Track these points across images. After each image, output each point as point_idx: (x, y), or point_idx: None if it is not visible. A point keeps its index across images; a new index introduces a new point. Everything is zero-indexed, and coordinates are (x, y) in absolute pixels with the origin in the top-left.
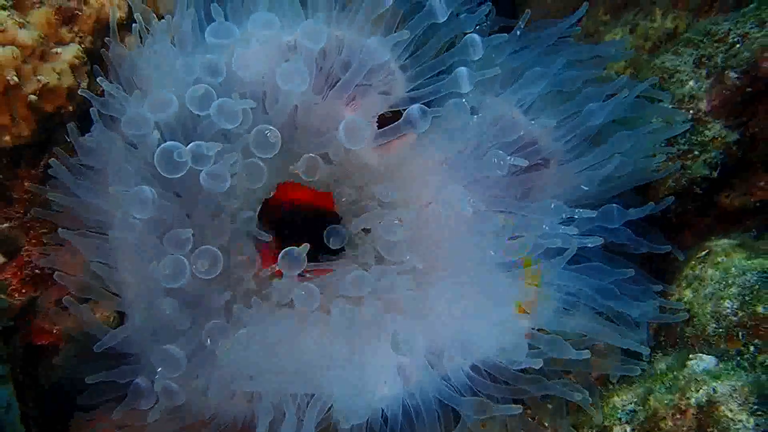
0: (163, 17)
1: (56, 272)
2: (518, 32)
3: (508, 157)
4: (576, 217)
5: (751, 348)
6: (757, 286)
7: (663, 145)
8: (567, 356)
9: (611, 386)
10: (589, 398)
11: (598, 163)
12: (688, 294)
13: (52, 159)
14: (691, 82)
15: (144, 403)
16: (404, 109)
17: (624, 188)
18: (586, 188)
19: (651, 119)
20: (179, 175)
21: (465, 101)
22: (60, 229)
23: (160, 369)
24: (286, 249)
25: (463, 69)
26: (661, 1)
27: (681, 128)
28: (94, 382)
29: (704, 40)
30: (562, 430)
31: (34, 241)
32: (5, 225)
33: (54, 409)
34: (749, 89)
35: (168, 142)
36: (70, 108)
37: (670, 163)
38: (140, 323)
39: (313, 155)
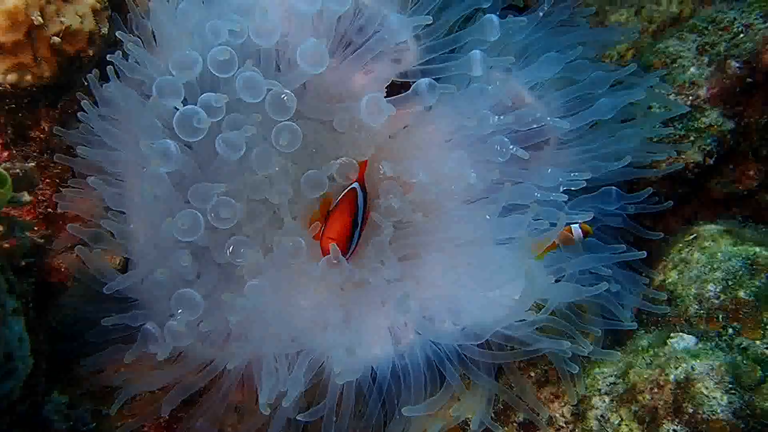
0: None
1: (69, 225)
2: (540, 13)
3: (512, 147)
4: (571, 184)
5: (730, 330)
6: (740, 272)
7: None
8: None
9: (593, 359)
10: (576, 366)
11: (599, 152)
12: (673, 275)
13: (84, 102)
14: (692, 69)
15: (153, 347)
16: (413, 82)
17: (619, 179)
18: (591, 175)
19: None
20: (197, 139)
21: (490, 88)
22: (90, 178)
23: (180, 311)
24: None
25: (477, 52)
26: None
27: (678, 112)
28: (108, 325)
29: (709, 28)
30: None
31: (48, 180)
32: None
33: (62, 345)
34: (749, 79)
35: (188, 106)
36: (90, 53)
37: (664, 145)
38: (152, 274)
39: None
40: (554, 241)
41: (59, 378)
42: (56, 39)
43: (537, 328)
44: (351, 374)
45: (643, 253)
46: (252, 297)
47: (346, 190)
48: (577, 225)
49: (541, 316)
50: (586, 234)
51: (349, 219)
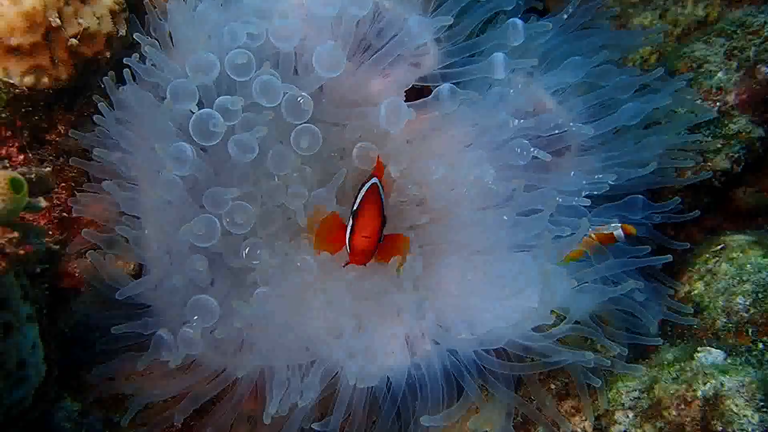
0: None
1: (84, 230)
2: (565, 16)
3: (532, 149)
4: (594, 187)
5: (760, 345)
6: None
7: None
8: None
9: (615, 372)
10: (598, 380)
11: (623, 159)
12: (699, 286)
13: (101, 105)
14: (720, 74)
15: (166, 354)
16: (434, 86)
17: (644, 188)
18: (612, 182)
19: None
20: (213, 143)
21: (511, 92)
22: (105, 182)
23: (195, 317)
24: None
25: (499, 55)
26: None
27: (704, 118)
28: (119, 333)
29: (737, 32)
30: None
31: (63, 184)
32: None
33: (73, 351)
34: None
35: (204, 110)
36: (108, 55)
37: (691, 153)
38: (162, 277)
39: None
40: (581, 249)
41: (70, 384)
42: (74, 41)
43: (558, 339)
44: (364, 381)
45: (669, 257)
46: (260, 305)
47: (367, 186)
48: (618, 226)
49: (563, 326)
50: (629, 234)
51: (380, 215)
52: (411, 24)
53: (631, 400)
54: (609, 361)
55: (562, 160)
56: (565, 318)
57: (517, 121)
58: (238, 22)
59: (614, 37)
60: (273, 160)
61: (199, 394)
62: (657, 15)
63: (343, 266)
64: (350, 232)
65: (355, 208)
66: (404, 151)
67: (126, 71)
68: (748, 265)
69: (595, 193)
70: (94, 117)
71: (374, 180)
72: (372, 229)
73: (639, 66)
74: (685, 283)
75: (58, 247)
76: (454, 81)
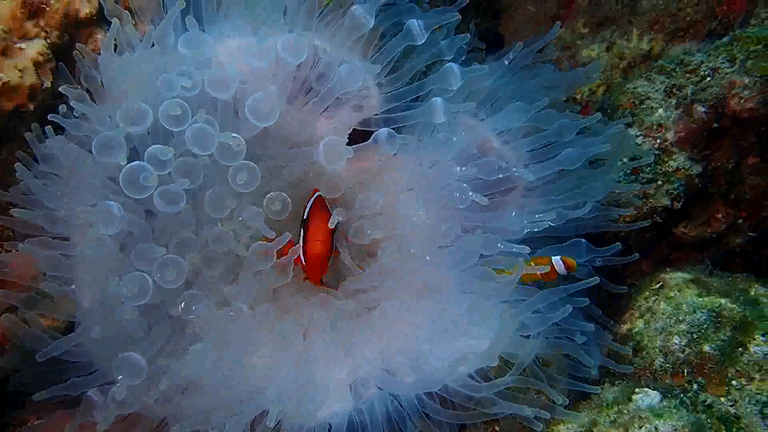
0: (131, 10)
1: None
2: (506, 62)
3: (470, 193)
4: (535, 225)
5: (695, 386)
6: (705, 325)
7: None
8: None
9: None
10: (539, 424)
11: (566, 203)
12: (639, 325)
13: (18, 165)
14: (660, 110)
15: (97, 414)
16: (375, 130)
17: (589, 230)
18: (552, 224)
19: (619, 157)
20: (145, 195)
21: (455, 139)
22: (21, 244)
23: (120, 377)
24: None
25: (438, 99)
26: (638, 22)
27: (643, 162)
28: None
29: (676, 69)
30: None
31: None
32: None
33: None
34: (716, 125)
35: (134, 163)
36: (31, 107)
37: (632, 194)
38: (95, 331)
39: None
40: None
41: None
42: None
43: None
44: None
45: (597, 279)
46: (196, 362)
47: (312, 199)
48: (558, 258)
49: (507, 378)
50: (569, 268)
51: (328, 225)
52: (340, 72)
53: None
54: (548, 414)
55: (508, 200)
56: (510, 363)
57: (459, 168)
58: (174, 71)
59: (557, 78)
60: (209, 203)
61: None
62: (604, 48)
63: (303, 280)
64: (303, 242)
65: (303, 218)
66: (347, 196)
67: (49, 128)
68: (684, 305)
69: (536, 229)
70: (17, 174)
71: (317, 194)
72: (323, 232)
73: (588, 98)
74: (627, 321)
75: None
76: (397, 125)
